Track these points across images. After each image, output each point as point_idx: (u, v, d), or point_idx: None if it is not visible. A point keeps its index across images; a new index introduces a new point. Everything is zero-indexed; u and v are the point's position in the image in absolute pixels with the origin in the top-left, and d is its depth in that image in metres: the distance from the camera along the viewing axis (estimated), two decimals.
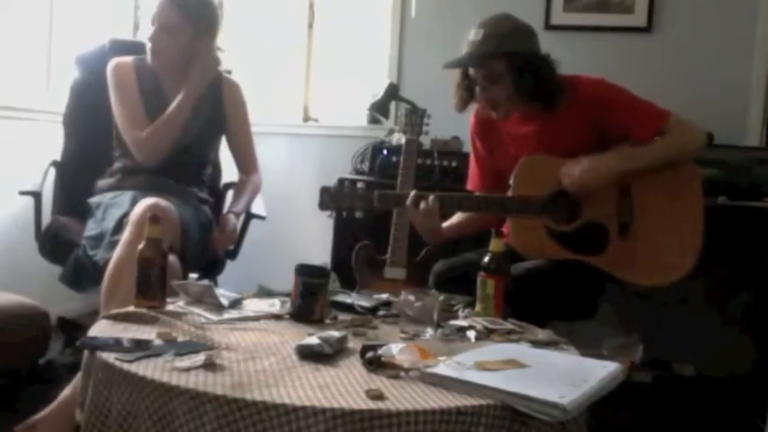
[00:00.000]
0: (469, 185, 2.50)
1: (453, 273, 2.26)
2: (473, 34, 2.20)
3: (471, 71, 2.25)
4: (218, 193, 2.97)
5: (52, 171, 2.90)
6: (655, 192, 2.20)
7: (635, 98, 2.23)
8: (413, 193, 2.20)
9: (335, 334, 1.51)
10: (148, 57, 2.56)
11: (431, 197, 2.18)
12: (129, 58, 2.64)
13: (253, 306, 1.86)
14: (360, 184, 2.27)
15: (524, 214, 2.21)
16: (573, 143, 2.22)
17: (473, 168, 2.48)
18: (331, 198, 2.23)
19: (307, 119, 3.94)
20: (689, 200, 2.22)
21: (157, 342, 1.47)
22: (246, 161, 2.79)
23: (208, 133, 2.71)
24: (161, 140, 2.49)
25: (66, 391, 1.98)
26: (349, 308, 1.90)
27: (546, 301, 2.08)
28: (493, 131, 2.37)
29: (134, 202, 2.31)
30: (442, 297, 1.89)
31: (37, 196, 2.76)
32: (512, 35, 2.20)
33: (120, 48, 2.92)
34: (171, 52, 2.54)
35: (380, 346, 1.45)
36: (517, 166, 2.24)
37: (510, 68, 2.18)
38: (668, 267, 2.19)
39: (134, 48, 2.82)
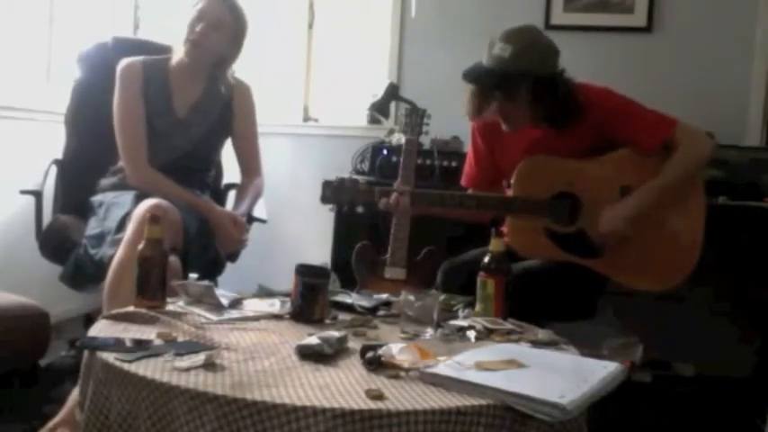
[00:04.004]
0: (464, 182, 2.49)
1: (461, 271, 2.25)
2: (498, 48, 2.15)
3: None
4: (219, 194, 2.97)
5: (53, 170, 2.90)
6: None
7: (642, 108, 2.22)
8: (407, 188, 2.22)
9: (335, 334, 1.51)
10: (185, 51, 2.53)
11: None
12: (138, 59, 2.61)
13: (253, 306, 1.86)
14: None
15: (529, 215, 2.21)
16: (577, 150, 2.23)
17: (470, 165, 2.47)
18: (333, 192, 2.23)
19: (307, 119, 3.94)
20: (690, 204, 2.21)
21: (157, 342, 1.47)
22: (251, 164, 2.76)
23: (214, 136, 2.70)
24: (149, 187, 2.43)
25: (74, 393, 1.96)
26: (349, 308, 1.90)
27: (545, 301, 2.08)
28: (497, 133, 2.36)
29: (136, 202, 2.30)
30: (442, 297, 1.89)
31: (38, 195, 2.76)
32: (538, 55, 2.16)
33: (124, 46, 2.91)
34: (212, 48, 2.54)
35: (380, 346, 1.45)
36: (519, 166, 2.24)
37: (530, 91, 2.16)
38: (667, 272, 2.20)
39: (137, 46, 2.81)
